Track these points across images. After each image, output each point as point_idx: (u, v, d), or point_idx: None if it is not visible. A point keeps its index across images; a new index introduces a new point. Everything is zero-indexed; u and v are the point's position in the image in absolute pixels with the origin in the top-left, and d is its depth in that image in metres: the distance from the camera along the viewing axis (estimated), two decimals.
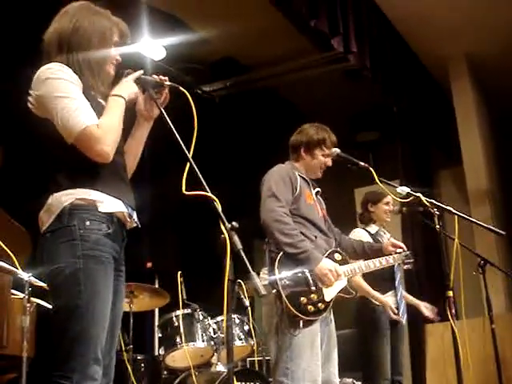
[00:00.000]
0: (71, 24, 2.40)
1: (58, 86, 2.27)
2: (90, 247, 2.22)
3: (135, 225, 2.46)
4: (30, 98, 2.33)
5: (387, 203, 4.91)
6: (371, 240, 4.77)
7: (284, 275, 3.26)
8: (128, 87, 2.43)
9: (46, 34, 2.45)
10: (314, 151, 3.69)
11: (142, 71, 2.50)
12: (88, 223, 2.24)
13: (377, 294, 4.76)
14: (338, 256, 3.52)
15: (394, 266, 4.72)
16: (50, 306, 2.32)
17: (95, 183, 2.30)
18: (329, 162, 3.70)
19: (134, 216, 2.44)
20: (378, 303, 4.79)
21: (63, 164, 2.30)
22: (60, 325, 2.21)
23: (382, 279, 4.75)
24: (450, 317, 3.17)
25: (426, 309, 4.97)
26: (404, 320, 4.77)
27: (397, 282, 4.82)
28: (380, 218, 4.97)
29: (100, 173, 2.32)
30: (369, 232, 4.94)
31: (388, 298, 4.80)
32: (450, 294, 3.22)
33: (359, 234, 4.88)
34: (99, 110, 2.35)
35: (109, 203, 2.32)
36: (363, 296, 4.80)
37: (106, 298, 2.26)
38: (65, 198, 2.26)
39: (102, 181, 2.32)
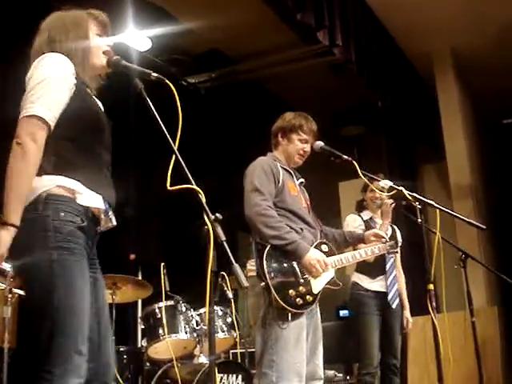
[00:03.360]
0: (45, 37, 2.45)
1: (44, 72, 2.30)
2: (64, 239, 2.20)
3: (110, 225, 2.43)
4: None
5: (371, 190, 4.90)
6: (363, 225, 4.85)
7: (272, 267, 3.25)
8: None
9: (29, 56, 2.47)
10: (291, 136, 3.68)
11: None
12: (62, 214, 2.21)
13: None
14: (324, 247, 3.52)
15: None
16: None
17: (77, 174, 2.28)
18: (307, 147, 3.68)
19: (110, 214, 2.42)
20: (365, 286, 4.86)
21: (49, 149, 2.27)
22: (37, 318, 2.18)
23: (371, 264, 4.78)
24: (430, 310, 3.19)
25: (405, 318, 4.99)
26: (395, 305, 4.79)
27: (388, 266, 4.84)
28: (370, 205, 5.01)
29: (84, 165, 2.31)
30: (361, 217, 4.98)
31: (377, 283, 4.85)
32: (431, 287, 3.25)
33: (352, 218, 4.99)
34: (94, 105, 2.42)
35: (87, 196, 2.30)
36: (354, 281, 4.92)
37: (83, 289, 2.23)
38: (46, 182, 2.23)
39: (84, 173, 2.31)
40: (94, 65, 2.49)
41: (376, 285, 4.87)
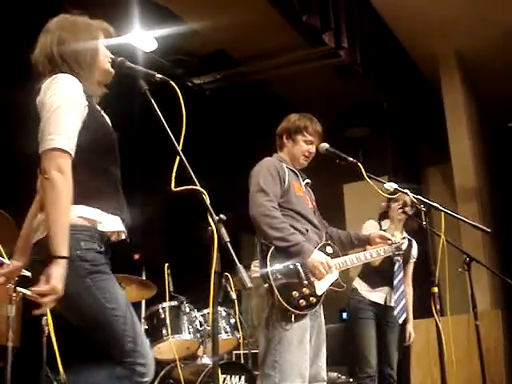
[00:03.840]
0: (54, 38, 2.43)
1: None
2: (90, 264, 2.27)
3: (120, 238, 2.50)
4: None
5: (396, 200, 4.83)
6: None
7: (275, 268, 3.25)
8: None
9: (33, 56, 2.46)
10: (296, 137, 3.68)
11: None
12: (83, 244, 2.26)
13: None
14: (329, 249, 3.51)
15: (395, 264, 4.76)
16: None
17: (96, 200, 2.33)
18: (312, 149, 3.69)
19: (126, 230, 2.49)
20: (363, 294, 4.85)
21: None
22: (97, 334, 2.31)
23: (374, 273, 4.78)
24: (434, 313, 3.19)
25: (408, 332, 4.96)
26: (401, 320, 4.75)
27: (396, 281, 4.78)
28: (393, 216, 4.95)
29: (101, 188, 2.35)
30: (380, 226, 4.95)
31: (376, 294, 4.83)
32: (436, 290, 3.24)
33: (371, 224, 4.94)
34: (105, 124, 2.46)
35: (107, 222, 2.36)
36: (354, 285, 4.93)
37: (124, 297, 2.38)
38: None
39: (102, 197, 2.35)
40: (102, 69, 2.49)
41: (374, 295, 4.86)
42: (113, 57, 2.52)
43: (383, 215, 5.06)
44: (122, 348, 2.28)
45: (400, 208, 4.73)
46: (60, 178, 2.18)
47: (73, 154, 2.24)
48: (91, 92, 2.43)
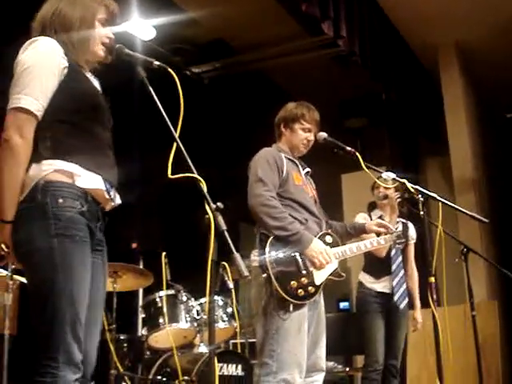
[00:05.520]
0: (52, 8, 2.42)
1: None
2: (64, 226, 2.19)
3: (113, 204, 2.42)
4: None
5: (377, 187, 4.85)
6: None
7: (274, 258, 3.25)
8: None
9: (33, 21, 2.45)
10: (294, 126, 3.67)
11: None
12: (61, 200, 2.20)
13: None
14: (329, 238, 3.51)
15: (391, 251, 4.76)
16: None
17: (75, 156, 2.27)
18: (310, 136, 3.68)
19: (113, 193, 2.40)
20: (368, 286, 4.86)
21: (45, 134, 2.26)
22: (37, 305, 2.18)
23: (376, 264, 4.78)
24: (431, 303, 3.19)
25: (414, 319, 4.95)
26: (402, 305, 4.74)
27: (394, 267, 4.79)
28: (379, 203, 4.97)
29: (81, 146, 2.30)
30: (371, 217, 4.95)
31: (382, 284, 4.84)
32: (432, 280, 3.24)
33: (361, 216, 4.95)
34: (89, 85, 2.41)
35: (86, 178, 2.28)
36: (360, 280, 4.95)
37: (84, 276, 2.23)
38: (44, 167, 2.23)
39: (82, 154, 2.29)
40: (92, 51, 2.47)
41: (380, 285, 4.86)
42: (111, 35, 2.50)
43: (372, 205, 5.07)
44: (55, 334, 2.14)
45: (399, 197, 4.73)
46: (19, 142, 2.18)
47: (40, 114, 2.24)
48: (78, 62, 2.41)
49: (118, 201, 2.45)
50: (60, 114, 2.28)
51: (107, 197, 2.37)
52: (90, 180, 2.30)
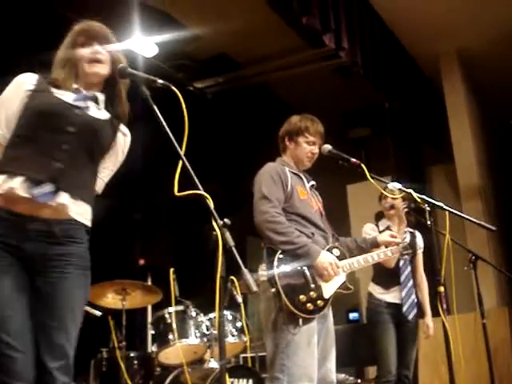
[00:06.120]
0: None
1: None
2: None
3: (42, 202, 2.26)
4: None
5: (384, 197, 4.83)
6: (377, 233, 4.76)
7: (282, 272, 3.24)
8: None
9: None
10: (298, 139, 3.67)
11: None
12: None
13: None
14: (336, 251, 3.50)
15: (400, 261, 4.75)
16: None
17: (3, 165, 2.30)
18: (315, 149, 3.67)
19: (38, 191, 2.25)
20: (378, 297, 4.84)
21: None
22: None
23: (386, 275, 4.77)
24: (441, 312, 3.18)
25: (426, 325, 4.91)
26: (411, 316, 4.73)
27: (403, 277, 4.77)
28: (386, 214, 4.96)
29: (16, 154, 2.33)
30: (378, 227, 4.95)
31: (391, 294, 4.83)
32: (442, 289, 3.23)
33: (369, 227, 4.95)
34: (48, 98, 2.44)
35: (2, 182, 2.25)
36: (369, 291, 4.93)
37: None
38: None
39: (7, 158, 2.32)
40: (83, 73, 2.55)
41: (390, 296, 4.83)
42: (100, 50, 2.57)
43: (380, 215, 5.06)
44: None
45: (405, 207, 4.71)
46: None
47: (3, 140, 2.36)
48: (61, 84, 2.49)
49: (61, 200, 2.30)
50: (15, 129, 2.38)
51: (22, 194, 2.23)
52: (4, 183, 2.25)
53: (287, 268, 3.26)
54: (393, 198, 4.54)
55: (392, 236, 3.77)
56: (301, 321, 3.23)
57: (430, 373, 5.98)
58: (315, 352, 3.29)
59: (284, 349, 3.22)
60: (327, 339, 3.48)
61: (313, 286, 3.29)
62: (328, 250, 3.46)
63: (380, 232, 4.85)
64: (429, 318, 4.91)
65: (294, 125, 3.70)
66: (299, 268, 3.29)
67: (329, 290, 3.36)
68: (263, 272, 3.34)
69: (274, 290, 3.22)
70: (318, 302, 3.29)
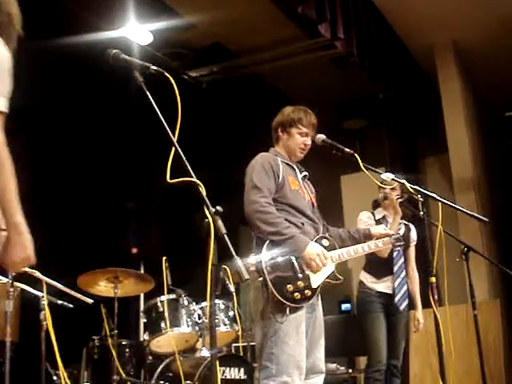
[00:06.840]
0: None
1: None
2: None
3: None
4: None
5: (397, 193, 4.83)
6: (374, 224, 4.75)
7: (270, 262, 3.25)
8: None
9: None
10: (291, 130, 3.66)
11: None
12: None
13: None
14: (325, 242, 3.49)
15: (393, 252, 4.76)
16: (34, 291, 2.26)
17: None
18: (307, 141, 3.67)
19: None
20: (370, 286, 4.85)
21: None
22: None
23: (378, 264, 4.78)
24: (432, 303, 3.19)
25: (416, 319, 4.92)
26: (402, 307, 4.75)
27: (396, 268, 4.80)
28: (383, 203, 4.96)
29: None
30: (374, 216, 4.96)
31: (382, 284, 4.84)
32: (433, 280, 3.24)
33: (365, 215, 4.96)
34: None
35: None
36: (360, 279, 4.93)
37: None
38: None
39: None
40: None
41: (381, 286, 4.84)
42: None
43: (377, 203, 5.07)
44: None
45: (399, 197, 4.71)
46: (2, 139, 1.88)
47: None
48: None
49: None
50: None
51: None
52: None
53: (275, 258, 3.27)
54: (387, 189, 4.55)
55: (387, 234, 3.75)
56: (288, 310, 3.23)
57: (421, 363, 6.01)
58: (303, 341, 3.30)
59: (272, 337, 3.23)
60: (316, 328, 3.48)
61: (300, 275, 3.29)
62: (317, 240, 3.46)
63: (376, 221, 4.88)
64: (419, 311, 4.93)
65: (287, 116, 3.70)
66: (287, 257, 3.29)
67: (317, 279, 3.36)
68: (252, 261, 3.34)
69: (261, 279, 3.22)
70: (306, 291, 3.30)
